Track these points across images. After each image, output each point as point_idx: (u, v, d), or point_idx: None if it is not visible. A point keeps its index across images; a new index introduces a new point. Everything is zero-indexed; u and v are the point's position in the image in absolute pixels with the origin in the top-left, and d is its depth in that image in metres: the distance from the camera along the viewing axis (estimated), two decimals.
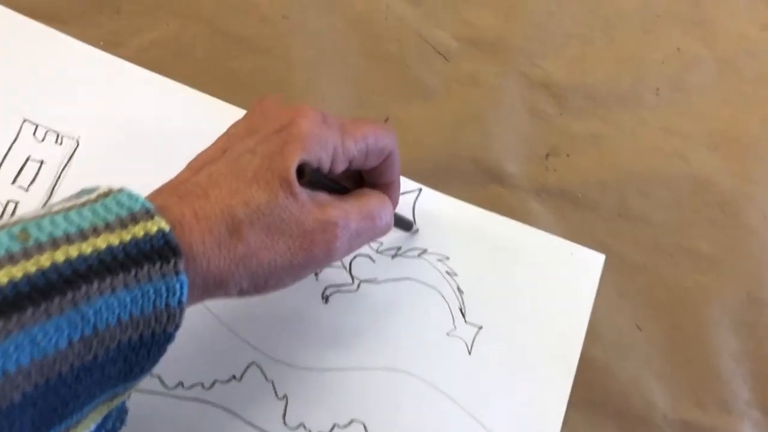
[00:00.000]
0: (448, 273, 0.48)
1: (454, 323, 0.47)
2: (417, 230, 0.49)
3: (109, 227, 0.28)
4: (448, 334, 0.47)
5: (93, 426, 0.31)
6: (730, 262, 0.49)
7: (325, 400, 0.45)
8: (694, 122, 0.52)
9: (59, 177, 0.47)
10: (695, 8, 0.55)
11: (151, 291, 0.28)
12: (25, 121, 0.48)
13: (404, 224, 0.47)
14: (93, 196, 0.29)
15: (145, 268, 0.28)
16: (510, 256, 0.49)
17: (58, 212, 0.28)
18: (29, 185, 0.47)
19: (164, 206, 0.30)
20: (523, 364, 0.46)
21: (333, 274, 0.47)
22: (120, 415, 0.33)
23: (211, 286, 0.31)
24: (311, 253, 0.33)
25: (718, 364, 0.47)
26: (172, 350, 0.43)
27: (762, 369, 0.48)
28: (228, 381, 0.45)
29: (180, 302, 0.29)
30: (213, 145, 0.35)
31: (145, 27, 0.52)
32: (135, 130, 0.49)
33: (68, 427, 0.28)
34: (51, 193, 0.47)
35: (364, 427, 0.44)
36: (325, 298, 0.47)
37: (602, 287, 0.48)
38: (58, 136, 0.48)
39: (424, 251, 0.48)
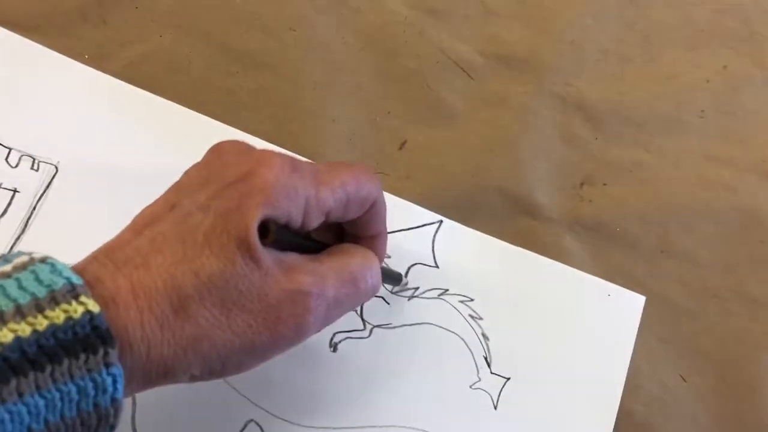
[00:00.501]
0: (471, 317, 0.45)
1: (478, 374, 0.44)
2: (407, 283, 0.46)
3: (19, 312, 0.24)
4: (471, 387, 0.44)
5: None
6: None
7: None
8: (743, 149, 0.50)
9: (35, 207, 0.44)
10: (742, 23, 0.53)
11: (74, 391, 0.24)
12: None
13: (393, 278, 0.44)
14: (8, 268, 0.25)
15: (65, 363, 0.24)
16: (541, 298, 0.46)
17: None
18: (0, 216, 0.44)
19: (96, 279, 0.26)
20: (556, 420, 0.44)
21: (342, 318, 0.43)
22: None
23: (153, 377, 0.27)
24: (277, 332, 0.29)
25: None
26: (160, 406, 0.41)
27: None
28: None
29: (114, 400, 0.25)
30: (160, 198, 0.31)
31: (134, 39, 0.50)
32: (122, 155, 0.46)
33: None
34: (25, 225, 0.44)
35: None
36: (334, 346, 0.44)
37: (642, 333, 0.46)
38: (34, 161, 0.46)
39: (445, 291, 0.45)
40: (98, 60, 0.49)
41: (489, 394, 0.43)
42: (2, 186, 0.44)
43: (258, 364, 0.31)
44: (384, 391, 0.43)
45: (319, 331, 0.32)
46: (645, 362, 0.45)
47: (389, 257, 0.45)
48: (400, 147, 0.49)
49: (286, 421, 0.42)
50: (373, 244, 0.37)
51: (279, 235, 0.29)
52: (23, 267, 0.25)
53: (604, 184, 0.48)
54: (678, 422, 0.44)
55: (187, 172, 0.32)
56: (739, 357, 0.45)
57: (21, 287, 0.24)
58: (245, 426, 0.42)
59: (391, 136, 0.49)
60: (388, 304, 0.45)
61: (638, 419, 0.44)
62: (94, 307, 0.25)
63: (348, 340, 0.44)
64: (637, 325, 0.45)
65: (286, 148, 0.44)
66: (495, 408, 0.43)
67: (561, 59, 0.51)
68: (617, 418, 0.44)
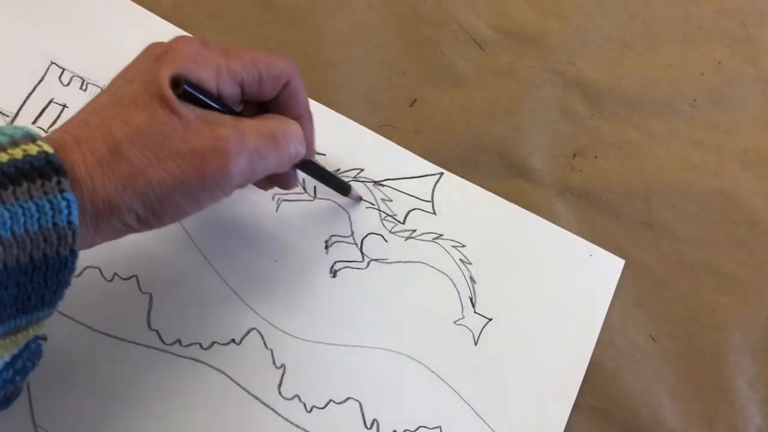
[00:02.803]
0: (462, 261, 0.50)
1: (462, 312, 0.49)
2: (360, 199, 0.50)
3: None
4: (455, 323, 0.48)
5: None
6: (754, 285, 0.51)
7: (323, 374, 0.46)
8: (728, 138, 0.54)
9: None
10: (740, 25, 0.57)
11: (34, 209, 0.29)
12: (52, 63, 0.51)
13: (337, 185, 0.48)
14: None
15: (24, 186, 0.29)
16: (527, 251, 0.50)
17: None
18: (49, 127, 0.49)
19: (49, 138, 0.32)
20: (530, 362, 0.48)
21: (343, 249, 0.49)
22: (31, 356, 0.34)
23: (102, 211, 0.33)
24: (204, 172, 0.34)
25: (732, 387, 0.49)
26: (173, 306, 0.46)
27: None
28: (227, 344, 0.46)
29: (70, 222, 0.30)
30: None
31: None
32: None
33: None
34: None
35: (360, 405, 0.46)
36: (334, 273, 0.49)
37: (619, 294, 0.50)
38: (83, 82, 0.51)
39: (440, 236, 0.50)
40: (148, 0, 0.54)
41: (471, 330, 0.48)
42: (54, 101, 0.50)
43: (194, 208, 0.35)
44: (375, 316, 0.48)
45: (247, 180, 0.37)
46: (619, 321, 0.49)
47: (390, 200, 0.50)
48: (410, 104, 0.53)
49: (284, 332, 0.47)
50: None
51: (190, 88, 0.34)
52: None
53: (595, 157, 0.53)
54: (645, 378, 0.48)
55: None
56: (707, 326, 0.49)
57: None
58: (248, 332, 0.47)
59: (403, 94, 0.53)
60: (387, 241, 0.49)
61: (608, 371, 0.48)
62: (48, 148, 0.30)
63: (347, 269, 0.49)
64: (615, 285, 0.50)
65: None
66: (475, 344, 0.48)
67: (566, 40, 0.55)
68: (589, 369, 0.48)
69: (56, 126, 0.48)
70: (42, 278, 0.30)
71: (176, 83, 0.34)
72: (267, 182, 0.44)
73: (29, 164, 0.29)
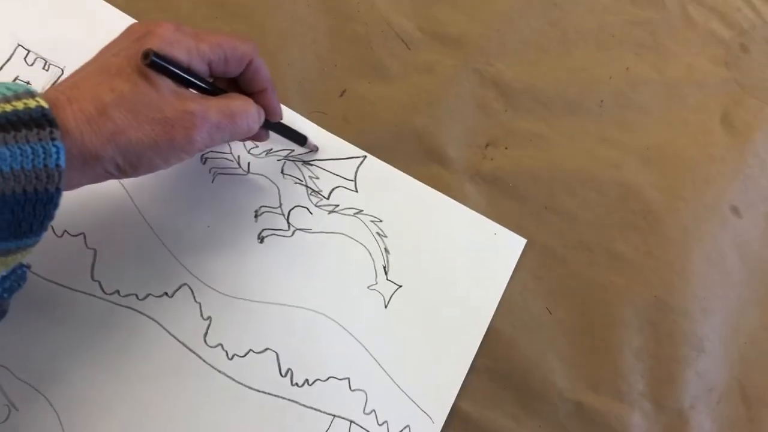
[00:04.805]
0: (378, 234, 0.55)
1: (376, 278, 0.55)
2: (317, 148, 0.57)
3: None
4: (368, 287, 0.54)
5: None
6: (645, 267, 0.57)
7: (244, 327, 0.52)
8: (631, 136, 0.59)
9: None
10: (650, 35, 0.63)
11: (29, 151, 0.35)
12: (18, 46, 0.57)
13: (296, 137, 0.55)
14: None
15: (23, 131, 0.35)
16: (438, 227, 0.56)
17: None
18: None
19: (46, 97, 0.38)
20: (434, 325, 0.54)
21: (272, 219, 0.55)
22: (17, 279, 0.42)
23: (88, 159, 0.39)
24: (173, 137, 0.41)
25: (619, 356, 0.55)
26: (115, 261, 0.52)
27: (659, 366, 0.55)
28: (160, 296, 0.52)
29: (57, 165, 0.36)
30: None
31: None
32: None
33: None
34: None
35: (277, 356, 0.52)
36: (261, 239, 0.54)
37: (520, 269, 0.56)
38: (45, 62, 0.57)
39: (360, 211, 0.56)
40: None
41: (382, 295, 0.54)
42: (19, 78, 0.56)
43: (164, 163, 0.43)
44: (296, 279, 0.53)
45: (205, 146, 0.44)
46: (519, 293, 0.55)
47: (317, 178, 0.56)
48: (340, 94, 0.59)
49: (212, 288, 0.53)
50: (264, 99, 0.49)
51: (156, 58, 0.40)
52: None
53: (506, 148, 0.58)
54: (539, 345, 0.54)
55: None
56: (600, 301, 0.55)
57: None
58: (180, 287, 0.53)
59: (334, 84, 0.59)
60: (312, 214, 0.55)
61: (505, 337, 0.54)
62: (45, 104, 0.37)
63: (274, 236, 0.54)
64: (516, 260, 0.55)
65: None
66: (385, 307, 0.54)
67: (487, 43, 0.61)
68: (488, 335, 0.54)
69: None
70: (32, 208, 0.37)
71: (146, 56, 0.41)
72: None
73: (28, 116, 0.36)
